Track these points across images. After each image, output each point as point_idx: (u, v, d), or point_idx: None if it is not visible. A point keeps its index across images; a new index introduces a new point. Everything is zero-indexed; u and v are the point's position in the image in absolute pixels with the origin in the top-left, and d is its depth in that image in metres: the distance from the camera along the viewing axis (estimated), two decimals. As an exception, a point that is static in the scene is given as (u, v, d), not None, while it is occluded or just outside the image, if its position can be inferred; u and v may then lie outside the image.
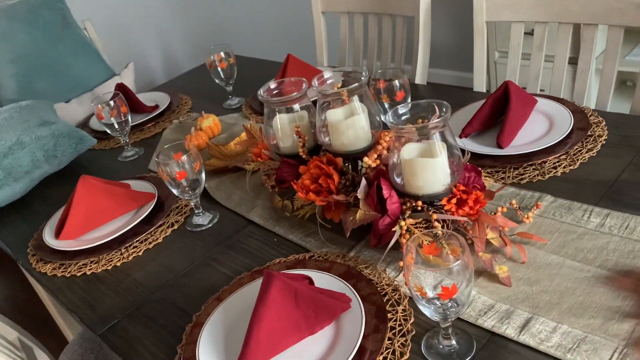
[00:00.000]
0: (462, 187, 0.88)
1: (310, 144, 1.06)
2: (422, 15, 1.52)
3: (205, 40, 2.75)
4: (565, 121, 1.16)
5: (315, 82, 0.98)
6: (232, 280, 0.98)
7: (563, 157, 1.09)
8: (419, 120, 0.88)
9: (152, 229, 1.17)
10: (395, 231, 0.87)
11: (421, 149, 0.88)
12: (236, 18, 3.29)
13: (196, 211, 1.17)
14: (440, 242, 0.71)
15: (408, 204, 0.89)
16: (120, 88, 1.68)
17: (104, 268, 1.10)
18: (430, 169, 0.86)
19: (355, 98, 0.95)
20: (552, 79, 1.39)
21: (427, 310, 0.72)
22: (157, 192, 1.26)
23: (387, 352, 0.77)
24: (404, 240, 0.86)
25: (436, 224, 0.85)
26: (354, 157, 0.99)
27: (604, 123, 1.16)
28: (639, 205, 0.93)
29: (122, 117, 1.47)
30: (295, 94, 1.05)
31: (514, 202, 0.94)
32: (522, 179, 1.06)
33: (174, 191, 1.12)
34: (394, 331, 0.80)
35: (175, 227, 1.18)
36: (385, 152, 0.92)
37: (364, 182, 0.90)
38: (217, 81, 1.68)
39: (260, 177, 1.19)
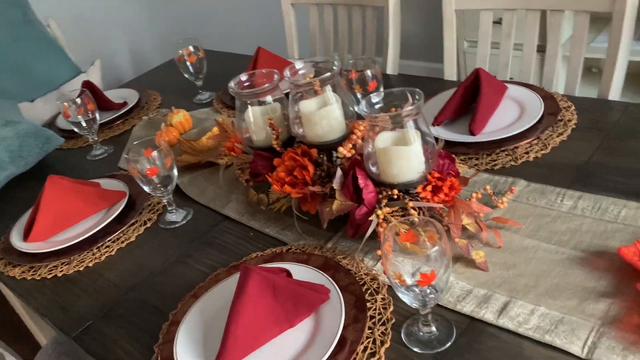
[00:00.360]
0: (436, 174, 0.88)
1: (283, 136, 1.05)
2: (391, 6, 1.51)
3: (173, 36, 2.70)
4: (535, 107, 1.17)
5: (287, 73, 0.97)
6: (208, 277, 0.97)
7: (535, 142, 1.10)
8: (392, 108, 0.87)
9: (125, 227, 1.15)
10: (372, 220, 0.87)
11: (395, 138, 0.88)
12: (205, 12, 3.24)
13: (169, 208, 1.15)
14: (417, 229, 0.71)
15: (384, 193, 0.89)
16: (87, 85, 1.64)
17: (75, 269, 1.07)
18: (405, 157, 0.86)
19: (328, 88, 0.94)
20: (521, 66, 1.40)
21: (406, 298, 0.72)
22: (129, 191, 1.23)
23: (367, 341, 0.77)
24: (381, 229, 0.85)
25: (412, 211, 0.84)
26: (329, 148, 0.98)
27: (573, 107, 1.17)
28: (610, 186, 0.94)
29: (90, 114, 1.43)
30: (267, 85, 1.04)
31: (488, 187, 0.94)
32: (495, 164, 1.06)
33: (146, 188, 1.10)
34: (373, 320, 0.80)
35: (148, 225, 1.16)
36: (360, 141, 0.91)
37: (339, 172, 0.89)
38: (186, 76, 1.65)
39: (234, 171, 1.17)
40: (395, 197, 0.88)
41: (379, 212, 0.86)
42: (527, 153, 1.07)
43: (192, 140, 1.38)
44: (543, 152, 1.07)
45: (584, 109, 1.16)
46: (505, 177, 1.02)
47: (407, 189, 0.89)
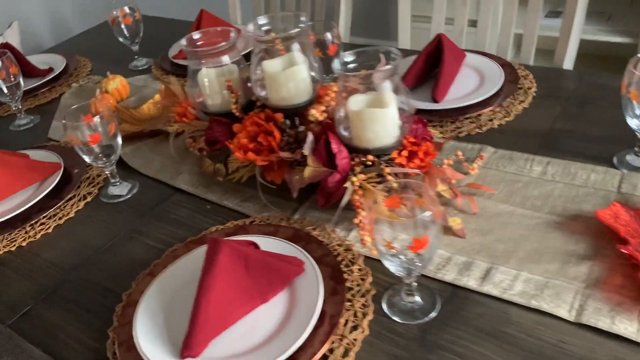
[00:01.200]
0: (412, 139, 0.84)
1: (242, 100, 0.97)
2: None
3: (86, 6, 2.48)
4: (495, 75, 1.16)
5: (250, 28, 0.89)
6: (164, 253, 0.88)
7: (497, 109, 1.08)
8: (362, 70, 0.82)
9: (61, 203, 1.03)
10: (346, 188, 0.82)
11: (369, 101, 0.83)
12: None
13: (112, 181, 1.04)
14: (413, 193, 0.66)
15: (356, 159, 0.84)
16: (6, 48, 1.46)
17: (6, 249, 0.95)
18: (381, 120, 0.81)
19: (296, 46, 0.87)
20: (475, 37, 1.39)
21: (392, 266, 0.67)
22: (63, 162, 1.11)
23: (348, 314, 0.72)
24: (356, 197, 0.81)
25: (389, 177, 0.80)
26: (294, 113, 0.92)
27: (531, 76, 1.17)
28: (576, 152, 0.94)
29: (12, 79, 1.28)
30: (224, 44, 0.95)
31: (460, 153, 0.92)
32: (460, 132, 1.04)
33: (86, 158, 0.99)
34: (352, 292, 0.75)
35: (89, 199, 1.04)
36: (332, 103, 0.85)
37: (310, 136, 0.83)
38: (121, 40, 1.52)
39: (184, 140, 1.08)
40: (370, 163, 0.83)
41: (354, 178, 0.81)
42: (490, 120, 1.06)
43: (132, 109, 1.27)
44: (507, 119, 1.06)
45: (541, 77, 1.16)
46: (471, 144, 1.00)
47: (380, 155, 0.84)
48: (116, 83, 1.35)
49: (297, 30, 0.86)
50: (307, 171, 0.81)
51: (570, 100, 1.08)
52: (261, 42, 0.88)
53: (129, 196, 1.04)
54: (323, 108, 0.84)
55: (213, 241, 0.74)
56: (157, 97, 1.29)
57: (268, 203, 0.92)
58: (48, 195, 1.03)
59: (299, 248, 0.81)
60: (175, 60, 1.47)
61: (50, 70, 1.55)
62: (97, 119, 0.95)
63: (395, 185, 0.71)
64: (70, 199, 1.05)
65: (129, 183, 1.06)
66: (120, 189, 1.04)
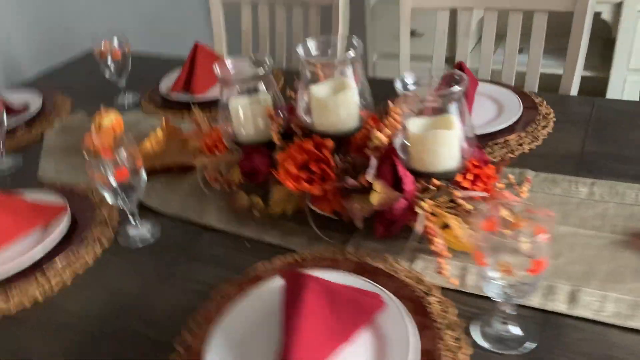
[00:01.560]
0: (475, 162, 0.81)
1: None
2: (341, 3, 1.45)
3: (52, 41, 2.36)
4: (513, 102, 1.17)
5: (300, 50, 0.84)
6: (209, 296, 0.79)
7: (523, 135, 1.09)
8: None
9: (75, 249, 0.92)
10: (409, 215, 0.77)
11: (429, 123, 0.80)
12: (85, 12, 2.89)
13: (132, 221, 0.95)
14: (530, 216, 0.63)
15: (419, 184, 0.80)
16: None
17: (20, 306, 0.83)
18: (447, 142, 0.78)
19: (348, 70, 0.84)
20: (479, 64, 1.41)
21: (493, 290, 0.64)
22: (67, 203, 1.00)
23: (445, 349, 0.67)
24: (430, 223, 0.76)
25: (462, 202, 0.77)
26: (342, 139, 0.87)
27: (545, 102, 1.19)
28: (616, 172, 0.95)
29: (-4, 116, 1.16)
30: (261, 70, 0.90)
31: (511, 176, 0.90)
32: (493, 157, 1.03)
33: (108, 197, 0.89)
34: (437, 325, 0.70)
35: (106, 244, 0.94)
36: (397, 126, 0.82)
37: (374, 161, 0.79)
38: (107, 75, 1.43)
39: (203, 175, 1.00)
40: (435, 187, 0.79)
41: (424, 204, 0.77)
42: (520, 145, 1.06)
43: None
44: (535, 144, 1.06)
45: (554, 104, 1.19)
46: (510, 168, 0.99)
47: (444, 179, 0.81)
48: (111, 119, 1.26)
49: (351, 54, 0.82)
50: (375, 197, 0.77)
51: (591, 124, 1.10)
52: (311, 65, 0.83)
53: (152, 238, 0.94)
54: (389, 131, 0.80)
55: (293, 275, 0.67)
56: (159, 132, 1.21)
57: (323, 235, 0.86)
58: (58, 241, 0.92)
59: (370, 281, 0.75)
60: (173, 95, 1.40)
61: (25, 109, 1.43)
62: (122, 151, 0.87)
63: (471, 208, 0.67)
64: (83, 244, 0.94)
65: (149, 223, 0.97)
66: (141, 231, 0.95)
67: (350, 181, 0.79)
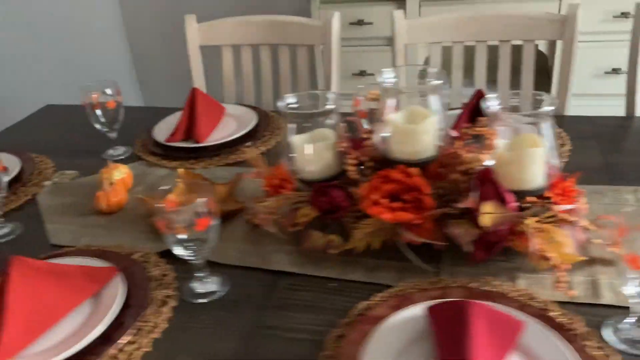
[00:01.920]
0: (560, 177, 0.85)
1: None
2: (334, 42, 1.47)
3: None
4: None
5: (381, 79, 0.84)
6: (321, 343, 0.74)
7: (547, 153, 1.15)
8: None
9: (143, 312, 0.82)
10: (506, 235, 0.79)
11: (514, 142, 0.83)
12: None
13: (201, 275, 0.87)
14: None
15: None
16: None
17: (107, 383, 0.72)
18: (539, 160, 0.81)
19: (434, 97, 0.85)
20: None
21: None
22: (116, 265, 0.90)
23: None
24: (537, 240, 0.78)
25: (563, 215, 0.79)
26: (421, 166, 0.87)
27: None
28: (646, 178, 1.03)
29: (-2, 178, 1.03)
30: (328, 105, 0.89)
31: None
32: (532, 176, 1.08)
33: (182, 252, 0.82)
34: (578, 338, 0.71)
35: (173, 303, 0.85)
36: (493, 147, 0.83)
37: (475, 183, 0.80)
38: (97, 127, 1.32)
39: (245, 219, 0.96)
40: (529, 205, 0.81)
41: (528, 221, 0.79)
42: (550, 163, 1.12)
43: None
44: (564, 160, 1.12)
45: (560, 123, 1.27)
46: (554, 184, 1.04)
47: (534, 196, 0.83)
48: (121, 173, 1.16)
49: (438, 81, 0.84)
50: (487, 219, 0.77)
51: (601, 138, 1.19)
52: (394, 91, 0.83)
53: (222, 290, 0.87)
54: (491, 154, 0.81)
55: (450, 305, 0.64)
56: (181, 184, 1.14)
57: (422, 264, 0.84)
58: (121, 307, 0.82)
59: (501, 304, 0.74)
60: (175, 144, 1.32)
61: (5, 169, 1.28)
62: (201, 200, 0.80)
63: (575, 220, 0.70)
64: (149, 305, 0.84)
65: (215, 276, 0.89)
66: (211, 285, 0.87)
67: (459, 205, 0.79)
